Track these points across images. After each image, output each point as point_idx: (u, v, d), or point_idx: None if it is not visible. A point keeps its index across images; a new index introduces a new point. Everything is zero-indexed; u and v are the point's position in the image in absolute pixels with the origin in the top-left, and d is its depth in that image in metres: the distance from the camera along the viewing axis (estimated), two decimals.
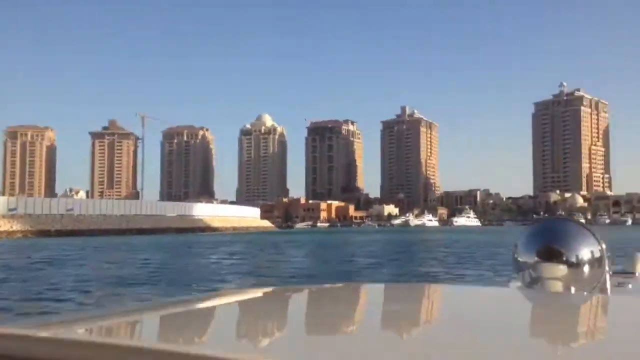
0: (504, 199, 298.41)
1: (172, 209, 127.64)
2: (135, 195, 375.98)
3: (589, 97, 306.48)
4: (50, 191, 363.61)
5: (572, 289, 1.30)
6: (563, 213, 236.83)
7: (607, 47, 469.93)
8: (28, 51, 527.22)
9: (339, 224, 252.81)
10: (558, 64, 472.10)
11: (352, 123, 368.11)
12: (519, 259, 1.38)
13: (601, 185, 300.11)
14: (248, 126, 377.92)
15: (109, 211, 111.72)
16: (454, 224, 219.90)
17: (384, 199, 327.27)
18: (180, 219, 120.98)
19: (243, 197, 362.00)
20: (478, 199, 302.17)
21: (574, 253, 1.29)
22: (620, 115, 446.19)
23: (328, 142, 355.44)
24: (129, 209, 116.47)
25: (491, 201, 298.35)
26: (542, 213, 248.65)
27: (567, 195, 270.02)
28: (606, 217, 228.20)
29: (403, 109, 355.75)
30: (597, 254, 1.31)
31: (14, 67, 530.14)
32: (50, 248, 42.58)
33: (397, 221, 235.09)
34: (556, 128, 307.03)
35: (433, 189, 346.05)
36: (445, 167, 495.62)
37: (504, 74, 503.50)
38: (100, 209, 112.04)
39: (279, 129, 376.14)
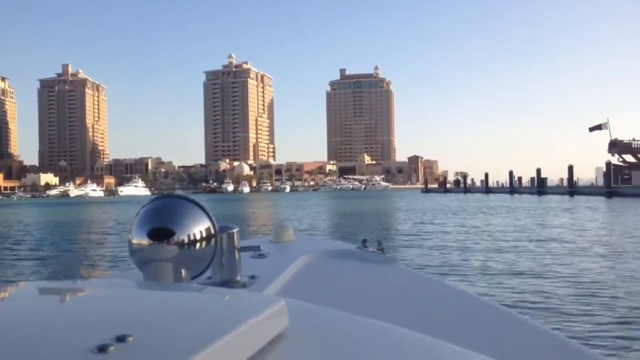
0: (176, 168, 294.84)
1: None
2: None
3: (256, 70, 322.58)
4: None
5: (184, 271, 1.23)
6: (231, 181, 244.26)
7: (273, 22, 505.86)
8: None
9: None
10: (229, 35, 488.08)
11: (3, 79, 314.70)
12: (133, 241, 1.25)
13: (266, 154, 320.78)
14: None
15: None
16: (120, 193, 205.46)
17: (43, 167, 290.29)
18: None
19: None
20: (149, 167, 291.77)
21: (185, 232, 1.22)
22: (282, 91, 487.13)
23: None
24: None
25: (163, 170, 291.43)
26: (211, 181, 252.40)
27: (236, 164, 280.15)
28: (268, 184, 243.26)
29: (65, 67, 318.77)
30: (210, 231, 1.26)
31: None
32: None
33: (53, 192, 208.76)
34: (226, 98, 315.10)
35: (101, 156, 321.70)
36: (116, 134, 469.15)
37: (178, 40, 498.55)
38: None
39: None
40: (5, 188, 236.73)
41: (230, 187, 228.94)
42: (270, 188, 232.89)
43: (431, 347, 0.89)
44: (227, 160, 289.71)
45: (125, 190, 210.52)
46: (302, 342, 0.80)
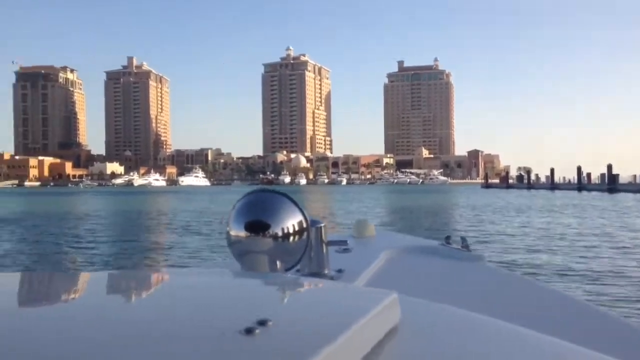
0: (235, 159, 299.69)
1: None
2: None
3: (313, 62, 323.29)
4: None
5: (279, 263, 1.33)
6: (287, 173, 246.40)
7: (332, 16, 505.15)
8: None
9: (52, 183, 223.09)
10: (286, 28, 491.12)
11: (72, 71, 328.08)
12: (231, 233, 1.36)
13: (323, 147, 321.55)
14: None
15: None
16: (181, 183, 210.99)
17: (110, 157, 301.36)
18: None
19: None
20: (209, 158, 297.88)
21: (280, 225, 1.30)
22: (340, 84, 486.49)
23: (42, 91, 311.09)
24: None
25: (222, 160, 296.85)
26: (268, 173, 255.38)
27: (293, 156, 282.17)
28: (325, 177, 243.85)
29: (130, 59, 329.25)
30: (303, 225, 1.33)
31: None
32: None
33: (118, 180, 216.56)
34: (284, 90, 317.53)
35: (164, 147, 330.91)
36: (178, 125, 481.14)
37: (237, 33, 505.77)
38: None
39: None
40: (74, 176, 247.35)
41: (287, 179, 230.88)
42: (326, 180, 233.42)
43: (543, 344, 0.89)
44: (285, 152, 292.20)
45: (186, 180, 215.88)
46: (414, 335, 0.82)
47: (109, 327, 0.73)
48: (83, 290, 1.05)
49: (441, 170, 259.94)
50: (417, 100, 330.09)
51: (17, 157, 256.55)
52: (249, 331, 0.68)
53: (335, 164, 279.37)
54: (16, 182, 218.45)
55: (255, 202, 1.36)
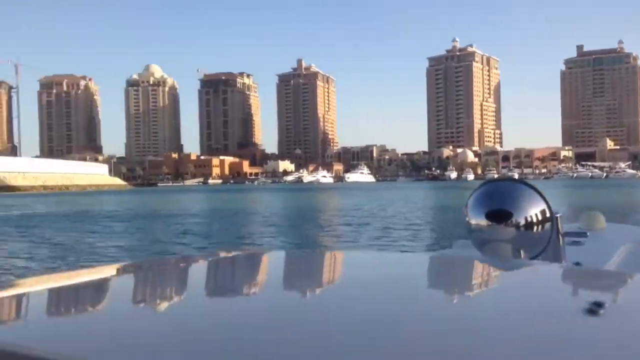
0: (400, 155, 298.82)
1: None
2: (11, 149, 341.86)
3: (481, 53, 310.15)
4: None
5: (522, 252, 1.33)
6: (454, 168, 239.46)
7: (501, 6, 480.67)
8: None
9: (231, 181, 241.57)
10: (452, 19, 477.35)
11: (248, 76, 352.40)
12: (470, 221, 1.39)
13: (492, 140, 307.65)
14: (135, 77, 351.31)
15: None
16: (347, 180, 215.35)
17: (282, 155, 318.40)
18: None
19: (132, 152, 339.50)
20: (374, 154, 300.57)
21: (522, 215, 1.32)
22: (510, 73, 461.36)
23: (223, 96, 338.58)
24: None
25: (387, 157, 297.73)
26: (434, 168, 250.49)
27: (459, 150, 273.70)
28: (494, 172, 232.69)
29: (299, 62, 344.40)
30: (546, 215, 1.34)
31: None
32: None
33: (289, 177, 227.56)
34: (449, 83, 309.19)
35: (331, 144, 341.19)
36: (344, 123, 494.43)
37: (400, 28, 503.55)
38: None
39: (169, 81, 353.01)
40: (251, 174, 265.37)
41: (454, 175, 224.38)
42: (496, 175, 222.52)
43: None
44: (451, 147, 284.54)
45: (352, 177, 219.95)
46: None
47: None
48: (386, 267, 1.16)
49: (629, 162, 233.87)
50: (600, 87, 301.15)
51: (202, 157, 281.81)
52: (590, 312, 0.73)
53: (505, 158, 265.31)
54: (201, 179, 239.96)
55: (495, 191, 1.39)
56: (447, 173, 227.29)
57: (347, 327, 0.74)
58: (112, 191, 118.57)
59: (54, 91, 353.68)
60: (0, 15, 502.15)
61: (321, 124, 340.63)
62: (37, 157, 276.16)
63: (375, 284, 0.98)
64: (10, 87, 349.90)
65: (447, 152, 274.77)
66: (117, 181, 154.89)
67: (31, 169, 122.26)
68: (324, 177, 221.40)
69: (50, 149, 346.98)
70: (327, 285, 1.06)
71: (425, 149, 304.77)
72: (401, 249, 13.93)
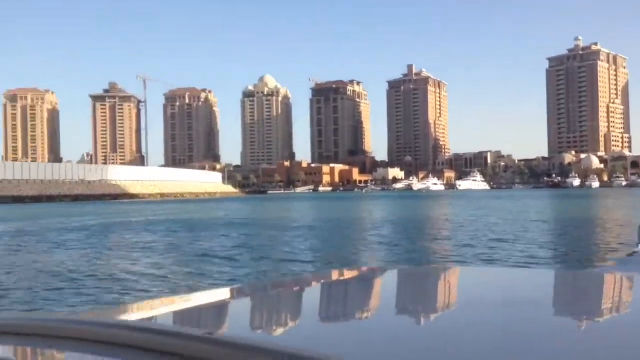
0: (516, 161, 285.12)
1: (94, 173, 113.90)
2: (140, 159, 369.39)
3: (606, 51, 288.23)
4: (54, 156, 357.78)
5: None
6: (577, 175, 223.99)
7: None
8: (27, 13, 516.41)
9: (341, 188, 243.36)
10: (573, 17, 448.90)
11: (358, 83, 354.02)
12: None
13: (620, 145, 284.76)
14: (250, 88, 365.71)
15: None
16: (458, 187, 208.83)
17: (391, 162, 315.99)
18: (82, 185, 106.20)
19: (247, 160, 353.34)
20: (488, 160, 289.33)
21: None
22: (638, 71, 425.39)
23: (333, 104, 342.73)
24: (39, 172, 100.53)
25: (502, 163, 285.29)
26: (554, 175, 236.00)
27: (582, 156, 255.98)
28: (622, 178, 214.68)
29: (409, 67, 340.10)
30: None
31: (12, 29, 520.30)
32: None
33: (399, 185, 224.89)
34: (571, 85, 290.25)
35: (442, 151, 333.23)
36: (456, 128, 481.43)
37: (516, 28, 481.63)
38: None
39: (282, 90, 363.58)
40: (360, 181, 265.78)
41: (576, 182, 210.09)
42: (624, 183, 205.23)
43: None
44: (573, 152, 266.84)
45: (463, 184, 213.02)
46: None
47: None
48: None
49: None
50: None
51: (312, 165, 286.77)
52: None
53: (634, 163, 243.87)
54: (312, 187, 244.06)
55: None
56: (568, 180, 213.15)
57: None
58: (227, 198, 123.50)
59: (177, 103, 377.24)
60: (130, 34, 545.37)
61: (432, 129, 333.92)
62: (162, 165, 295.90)
63: (543, 304, 1.01)
64: (139, 101, 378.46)
65: (569, 157, 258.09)
66: (229, 189, 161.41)
67: (149, 177, 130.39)
68: (434, 184, 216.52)
69: (174, 158, 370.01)
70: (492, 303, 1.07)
71: (545, 154, 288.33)
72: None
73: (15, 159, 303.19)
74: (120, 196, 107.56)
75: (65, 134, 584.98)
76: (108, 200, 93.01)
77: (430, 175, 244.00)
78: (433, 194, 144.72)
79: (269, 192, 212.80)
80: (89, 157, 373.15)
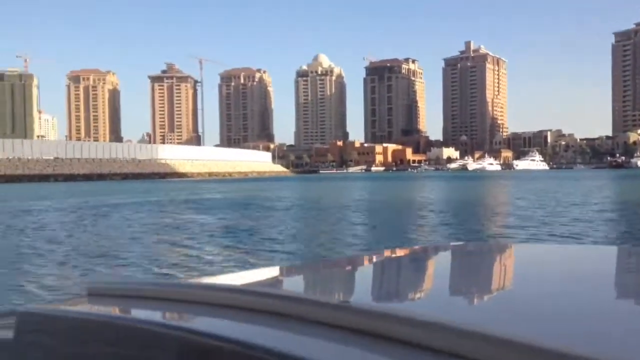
0: (578, 140, 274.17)
1: (145, 152, 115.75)
2: (196, 139, 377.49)
3: None
4: (115, 136, 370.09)
5: None
6: None
7: None
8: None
9: (394, 168, 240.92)
10: None
11: (413, 61, 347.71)
12: None
13: None
14: (304, 67, 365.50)
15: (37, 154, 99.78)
16: (515, 167, 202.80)
17: (446, 142, 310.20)
18: (132, 164, 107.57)
19: (301, 140, 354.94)
20: (548, 140, 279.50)
21: None
22: None
23: (387, 83, 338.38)
24: (86, 151, 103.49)
25: (563, 143, 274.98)
26: (618, 155, 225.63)
27: None
28: None
29: (467, 44, 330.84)
30: None
31: (73, 13, 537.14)
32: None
33: (453, 165, 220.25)
34: (639, 60, 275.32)
35: (500, 130, 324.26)
36: (515, 107, 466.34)
37: (579, 2, 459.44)
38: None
39: (336, 70, 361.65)
40: (414, 161, 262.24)
41: None
42: None
43: None
44: (638, 131, 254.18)
45: (521, 165, 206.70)
46: None
47: None
48: None
49: None
50: None
51: (365, 145, 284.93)
52: None
53: None
54: (364, 167, 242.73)
55: None
56: (633, 160, 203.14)
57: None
58: (276, 178, 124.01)
59: (232, 83, 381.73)
60: (186, 15, 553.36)
61: (489, 108, 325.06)
62: (217, 145, 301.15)
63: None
64: (196, 82, 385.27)
65: (634, 136, 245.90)
66: (279, 168, 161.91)
67: (198, 157, 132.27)
68: (490, 164, 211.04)
69: (229, 138, 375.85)
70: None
71: (609, 133, 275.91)
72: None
73: (78, 139, 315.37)
74: (168, 175, 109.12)
75: (126, 115, 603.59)
76: (156, 179, 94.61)
77: (486, 155, 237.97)
78: (488, 174, 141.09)
79: (320, 171, 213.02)
80: (149, 137, 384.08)
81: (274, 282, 1.36)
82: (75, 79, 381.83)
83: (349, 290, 1.26)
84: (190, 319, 0.95)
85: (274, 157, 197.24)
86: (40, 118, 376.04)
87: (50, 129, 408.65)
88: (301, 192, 49.42)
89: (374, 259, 1.67)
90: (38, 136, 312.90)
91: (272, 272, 1.53)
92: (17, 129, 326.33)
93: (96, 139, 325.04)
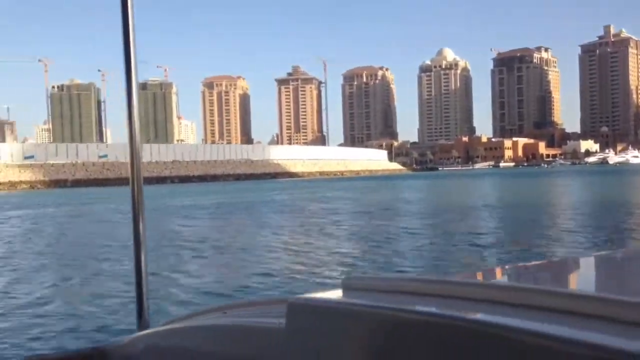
0: None
1: (257, 153, 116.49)
2: (321, 138, 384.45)
3: None
4: (246, 138, 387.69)
5: None
6: None
7: None
8: (214, 10, 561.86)
9: (524, 164, 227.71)
10: None
11: (546, 50, 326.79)
12: None
13: None
14: (428, 62, 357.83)
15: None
16: None
17: (584, 134, 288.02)
18: (245, 164, 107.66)
19: (425, 137, 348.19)
20: None
21: None
22: None
23: (517, 73, 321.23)
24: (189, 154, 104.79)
25: None
26: None
27: None
28: None
29: (607, 28, 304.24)
30: None
31: (206, 21, 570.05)
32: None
33: (591, 159, 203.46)
34: None
35: None
36: None
37: None
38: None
39: (461, 63, 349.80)
40: (547, 156, 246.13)
41: None
42: None
43: None
44: None
45: None
46: None
47: None
48: None
49: None
50: None
51: (493, 139, 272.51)
52: None
53: None
54: (492, 163, 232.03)
55: None
56: None
57: None
58: (403, 175, 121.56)
59: (355, 83, 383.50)
60: (310, 16, 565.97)
61: (634, 97, 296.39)
62: (340, 144, 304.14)
63: None
64: (320, 82, 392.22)
65: None
66: (394, 166, 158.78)
67: (310, 156, 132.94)
68: (634, 157, 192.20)
69: (352, 136, 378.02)
70: None
71: None
72: None
73: (213, 142, 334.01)
74: (279, 174, 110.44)
75: (256, 117, 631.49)
76: (267, 179, 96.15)
77: (630, 147, 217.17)
78: (632, 167, 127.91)
79: (441, 169, 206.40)
80: (277, 137, 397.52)
81: (534, 278, 1.27)
82: (209, 85, 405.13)
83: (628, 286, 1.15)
84: (462, 309, 0.91)
85: (395, 155, 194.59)
86: (180, 124, 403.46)
87: (189, 134, 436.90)
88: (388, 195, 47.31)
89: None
90: (178, 140, 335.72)
91: (519, 270, 1.41)
92: (159, 134, 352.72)
93: (229, 142, 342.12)
